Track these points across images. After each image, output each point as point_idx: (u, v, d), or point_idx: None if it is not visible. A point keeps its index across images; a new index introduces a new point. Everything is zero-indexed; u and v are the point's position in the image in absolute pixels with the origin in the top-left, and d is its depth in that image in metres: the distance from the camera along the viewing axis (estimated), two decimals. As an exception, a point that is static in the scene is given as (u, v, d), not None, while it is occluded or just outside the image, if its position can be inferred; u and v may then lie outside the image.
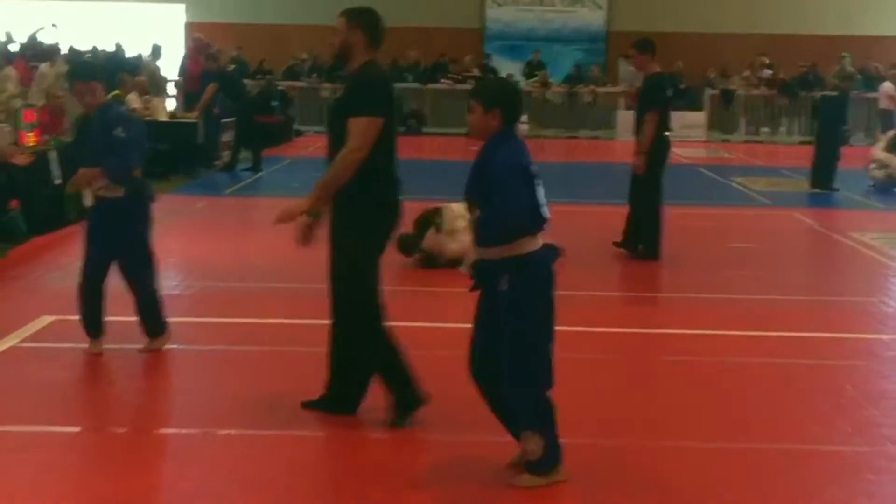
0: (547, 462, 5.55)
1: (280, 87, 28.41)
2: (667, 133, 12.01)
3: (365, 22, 6.35)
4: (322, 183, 6.19)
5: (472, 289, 5.57)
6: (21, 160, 12.62)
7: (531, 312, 5.42)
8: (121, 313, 9.06)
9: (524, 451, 5.56)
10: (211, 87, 20.54)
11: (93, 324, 7.80)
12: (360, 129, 6.07)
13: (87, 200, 7.92)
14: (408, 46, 30.65)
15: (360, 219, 6.18)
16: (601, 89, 31.29)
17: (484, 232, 5.46)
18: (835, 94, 22.75)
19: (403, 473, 5.75)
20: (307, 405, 6.57)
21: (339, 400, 6.49)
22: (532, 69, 31.53)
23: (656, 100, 11.87)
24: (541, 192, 5.47)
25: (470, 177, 5.51)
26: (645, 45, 12.00)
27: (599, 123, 31.08)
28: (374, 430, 6.32)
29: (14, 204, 12.20)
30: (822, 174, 18.97)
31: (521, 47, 32.73)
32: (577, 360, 7.83)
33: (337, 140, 6.17)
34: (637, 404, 7.11)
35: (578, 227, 13.66)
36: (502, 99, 5.58)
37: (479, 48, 32.92)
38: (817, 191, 18.81)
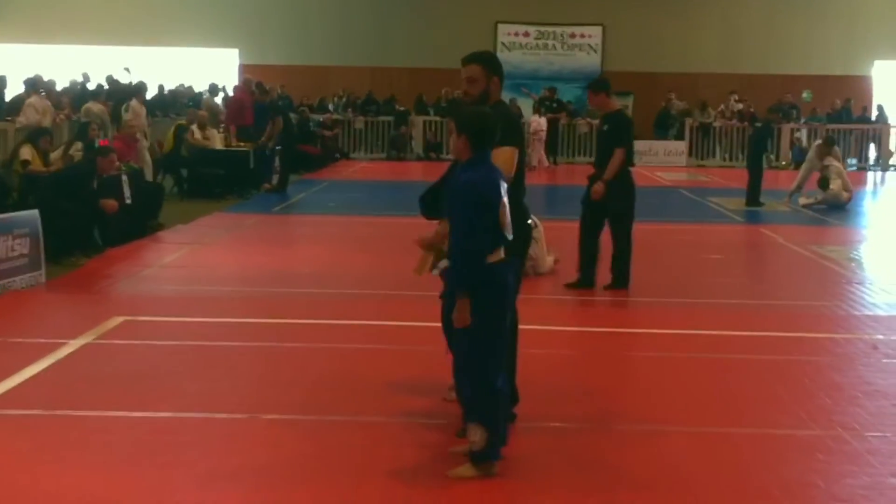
0: (486, 454, 5.32)
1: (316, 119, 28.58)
2: (629, 169, 10.66)
3: (499, 69, 6.14)
4: None
5: (442, 295, 5.45)
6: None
7: (480, 315, 5.26)
8: (182, 314, 9.15)
9: (469, 441, 5.37)
10: (278, 120, 20.74)
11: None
12: (507, 159, 5.74)
13: (442, 264, 5.78)
14: (431, 85, 30.71)
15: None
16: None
17: (451, 246, 5.37)
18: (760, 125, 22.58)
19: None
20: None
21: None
22: (541, 104, 31.15)
23: (625, 137, 10.62)
24: (506, 215, 5.31)
25: (445, 195, 5.42)
26: (599, 84, 10.88)
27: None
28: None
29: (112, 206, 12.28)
30: (752, 193, 19.38)
31: (527, 86, 32.78)
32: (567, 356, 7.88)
33: None
34: (624, 394, 7.13)
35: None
36: (470, 126, 5.39)
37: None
38: (750, 208, 18.98)
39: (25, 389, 6.82)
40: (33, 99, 17.57)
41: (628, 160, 10.57)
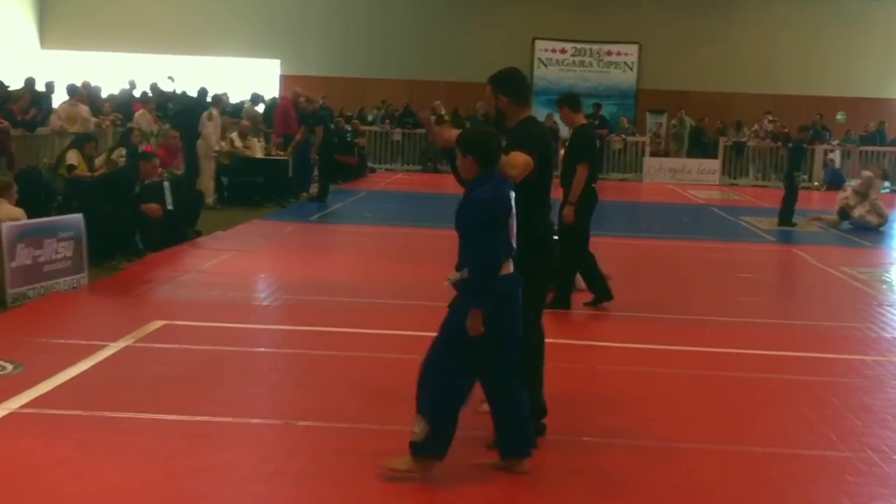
0: (425, 449, 5.39)
1: (348, 129, 28.51)
2: (593, 185, 10.31)
3: (506, 87, 6.13)
4: None
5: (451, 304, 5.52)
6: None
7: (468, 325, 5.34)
8: (219, 319, 9.19)
9: (413, 431, 5.41)
10: (319, 130, 20.78)
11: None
12: (519, 163, 5.78)
13: (454, 276, 5.53)
14: (475, 98, 30.35)
15: (520, 259, 5.71)
16: (630, 138, 31.17)
17: (461, 258, 5.42)
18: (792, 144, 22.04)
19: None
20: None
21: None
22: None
23: (585, 152, 10.11)
24: (512, 227, 5.41)
25: (457, 210, 5.50)
26: (563, 99, 10.36)
27: (628, 167, 30.96)
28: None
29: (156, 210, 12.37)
30: (785, 213, 19.20)
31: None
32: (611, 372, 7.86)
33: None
34: (650, 410, 7.09)
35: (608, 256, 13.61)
36: (475, 147, 5.51)
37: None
38: (783, 227, 18.80)
39: (66, 390, 6.87)
40: (61, 106, 17.71)
41: (591, 176, 10.22)
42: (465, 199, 5.47)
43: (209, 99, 20.43)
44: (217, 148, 18.64)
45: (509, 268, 5.44)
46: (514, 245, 5.48)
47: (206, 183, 18.41)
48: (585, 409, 6.94)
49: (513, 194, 5.49)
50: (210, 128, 18.57)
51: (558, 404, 6.48)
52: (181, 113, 19.86)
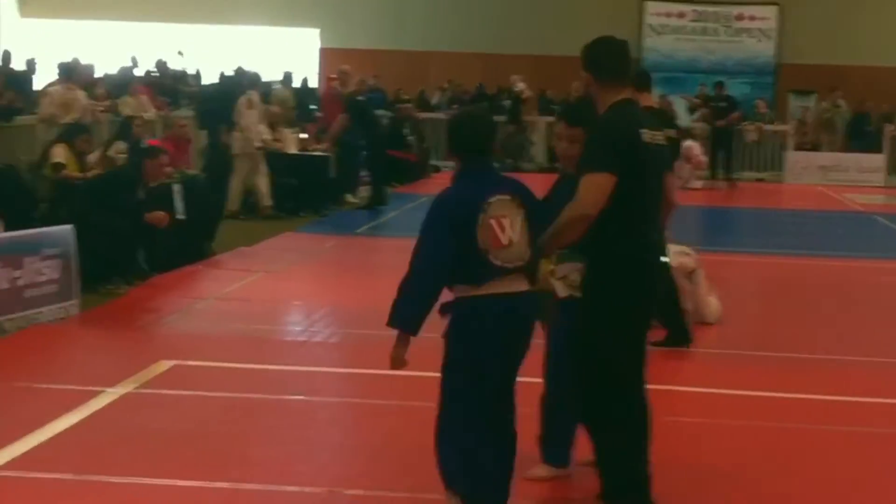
0: None
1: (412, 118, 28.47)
2: None
3: (589, 62, 5.99)
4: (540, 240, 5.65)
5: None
6: None
7: (452, 362, 5.45)
8: (244, 359, 9.26)
9: None
10: (342, 118, 20.77)
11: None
12: (588, 187, 5.63)
13: (561, 290, 6.17)
14: (568, 77, 30.30)
15: (600, 289, 5.76)
16: (768, 127, 30.85)
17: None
18: None
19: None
20: None
21: None
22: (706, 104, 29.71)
23: None
24: (496, 233, 5.36)
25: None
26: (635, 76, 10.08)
27: (765, 164, 30.65)
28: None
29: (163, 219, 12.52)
30: None
31: (680, 80, 32.41)
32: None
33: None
34: (791, 478, 7.02)
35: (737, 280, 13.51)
36: (450, 133, 5.62)
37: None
38: None
39: (53, 448, 6.95)
40: (53, 88, 17.93)
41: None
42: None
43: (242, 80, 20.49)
44: (259, 143, 18.75)
45: (495, 287, 5.40)
46: (499, 260, 5.39)
47: (236, 188, 18.58)
48: (726, 477, 6.89)
49: (497, 198, 5.40)
50: (251, 117, 18.66)
51: (667, 474, 6.43)
52: (215, 97, 19.89)
